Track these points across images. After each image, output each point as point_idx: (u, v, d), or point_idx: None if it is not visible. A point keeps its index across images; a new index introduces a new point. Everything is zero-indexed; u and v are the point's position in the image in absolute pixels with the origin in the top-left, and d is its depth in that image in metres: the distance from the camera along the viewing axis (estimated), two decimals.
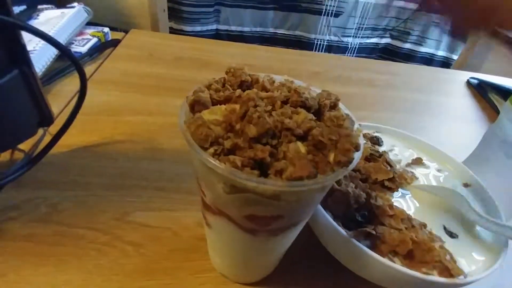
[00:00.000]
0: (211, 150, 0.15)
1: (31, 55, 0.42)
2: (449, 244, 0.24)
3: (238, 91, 0.18)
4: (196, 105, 0.17)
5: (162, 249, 0.27)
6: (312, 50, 1.01)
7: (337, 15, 0.96)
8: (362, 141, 0.18)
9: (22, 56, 0.26)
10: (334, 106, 0.19)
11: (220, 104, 0.17)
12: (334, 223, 0.23)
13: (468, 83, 0.68)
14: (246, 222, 0.18)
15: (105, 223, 0.29)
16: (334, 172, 0.15)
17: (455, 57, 1.13)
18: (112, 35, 0.58)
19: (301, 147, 0.15)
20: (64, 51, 0.26)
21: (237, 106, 0.16)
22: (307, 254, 0.28)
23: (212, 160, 0.14)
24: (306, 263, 0.28)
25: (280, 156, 0.15)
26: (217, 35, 0.97)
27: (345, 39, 1.02)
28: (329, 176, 0.15)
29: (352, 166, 0.16)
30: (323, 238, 0.26)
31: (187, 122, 0.16)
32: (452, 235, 0.26)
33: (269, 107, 0.16)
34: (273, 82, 0.20)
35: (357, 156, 0.16)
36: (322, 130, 0.16)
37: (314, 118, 0.17)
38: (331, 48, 1.03)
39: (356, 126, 0.19)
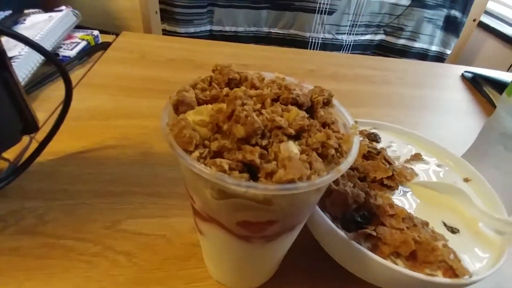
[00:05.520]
0: (196, 153, 0.14)
1: (16, 60, 0.41)
2: (451, 240, 0.23)
3: (226, 90, 0.17)
4: (180, 106, 0.16)
5: (155, 257, 0.26)
6: (307, 49, 1.00)
7: (330, 12, 0.96)
8: (357, 138, 0.17)
9: (1, 61, 0.25)
10: (327, 103, 0.18)
11: (206, 104, 0.16)
12: (333, 225, 0.22)
13: (463, 76, 0.68)
14: (238, 229, 0.17)
15: (95, 232, 0.27)
16: (329, 173, 0.14)
17: (448, 51, 1.13)
18: (103, 38, 0.57)
19: (293, 146, 0.14)
20: (44, 54, 0.25)
21: (224, 106, 0.15)
22: (307, 258, 0.27)
23: (197, 164, 0.13)
24: (307, 266, 0.27)
25: (271, 157, 0.14)
26: (211, 36, 0.96)
27: (339, 37, 1.02)
28: (323, 178, 0.14)
29: (347, 165, 0.15)
30: (323, 241, 0.25)
31: (169, 124, 0.15)
32: (453, 230, 0.25)
33: (258, 106, 0.15)
34: (263, 79, 0.19)
35: (354, 154, 0.15)
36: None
37: (306, 115, 0.16)
38: (325, 46, 1.02)
39: (351, 122, 0.18)
